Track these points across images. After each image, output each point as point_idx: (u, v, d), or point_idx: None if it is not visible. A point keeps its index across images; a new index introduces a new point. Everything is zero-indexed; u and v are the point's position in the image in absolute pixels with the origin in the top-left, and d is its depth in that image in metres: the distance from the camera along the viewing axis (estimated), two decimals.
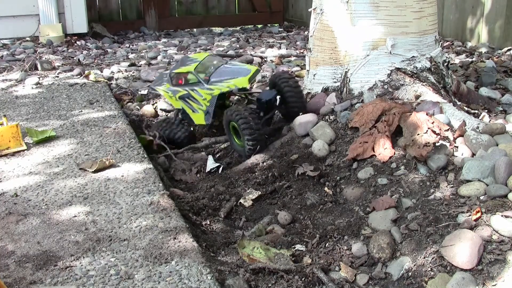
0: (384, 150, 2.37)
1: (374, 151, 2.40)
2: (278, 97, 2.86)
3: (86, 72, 4.35)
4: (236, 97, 3.34)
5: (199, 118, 2.99)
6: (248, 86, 2.90)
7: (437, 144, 2.26)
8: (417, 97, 2.69)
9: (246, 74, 2.87)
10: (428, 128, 2.30)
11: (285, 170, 2.58)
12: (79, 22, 6.13)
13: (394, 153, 2.36)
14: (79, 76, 4.32)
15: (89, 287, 1.63)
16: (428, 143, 2.24)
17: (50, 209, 2.11)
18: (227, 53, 5.16)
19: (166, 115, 3.59)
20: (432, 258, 1.82)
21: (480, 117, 2.70)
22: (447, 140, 2.30)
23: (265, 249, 2.00)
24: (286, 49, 5.45)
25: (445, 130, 2.32)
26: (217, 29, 7.38)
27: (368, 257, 1.97)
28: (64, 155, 2.66)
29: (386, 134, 2.40)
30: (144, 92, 3.86)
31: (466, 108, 2.84)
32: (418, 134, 2.28)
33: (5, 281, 1.65)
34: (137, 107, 3.63)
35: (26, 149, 2.73)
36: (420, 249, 1.88)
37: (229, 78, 2.87)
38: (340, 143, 2.63)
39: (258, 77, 3.97)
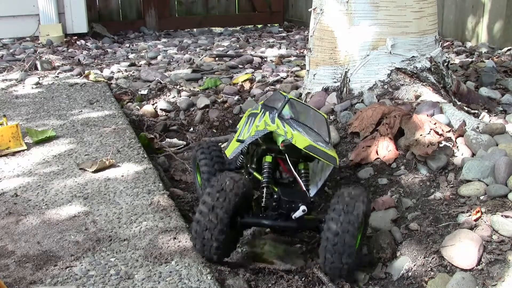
0: (388, 152, 2.37)
1: (378, 154, 2.41)
2: (303, 208, 1.78)
3: (86, 72, 4.34)
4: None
5: (231, 147, 2.13)
6: (302, 148, 1.91)
7: (440, 145, 2.26)
8: (417, 97, 2.69)
9: (318, 140, 1.98)
10: (431, 129, 2.30)
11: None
12: (79, 22, 6.12)
13: (398, 155, 2.37)
14: (79, 76, 4.31)
15: (89, 287, 1.63)
16: (432, 142, 2.24)
17: (50, 209, 2.11)
18: (227, 53, 5.16)
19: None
20: (432, 258, 1.82)
21: (480, 117, 2.70)
22: (449, 141, 2.30)
23: (274, 246, 2.00)
24: (286, 49, 5.45)
25: (447, 132, 2.33)
26: (217, 29, 7.38)
27: (368, 257, 1.97)
28: (64, 155, 2.65)
29: (389, 136, 2.40)
30: (144, 92, 3.86)
31: (466, 108, 2.84)
32: (421, 135, 2.29)
33: (5, 281, 1.65)
34: (137, 107, 3.62)
35: (26, 149, 2.73)
36: (420, 249, 1.88)
37: (300, 131, 1.96)
38: (340, 143, 2.63)
39: (258, 77, 3.97)
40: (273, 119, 1.98)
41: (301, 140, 1.90)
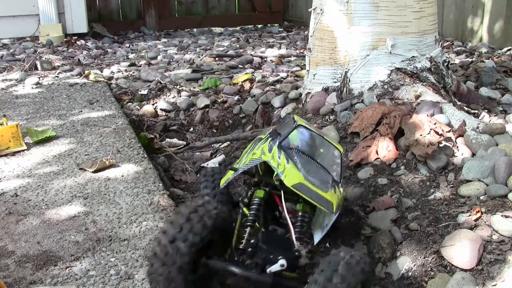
0: (388, 152, 2.37)
1: (378, 154, 2.41)
2: (281, 263, 1.48)
3: (86, 72, 4.35)
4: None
5: (226, 176, 1.83)
6: (289, 185, 1.60)
7: (440, 145, 2.26)
8: (417, 97, 2.69)
9: (320, 178, 1.68)
10: (431, 129, 2.30)
11: None
12: (79, 22, 6.13)
13: (398, 155, 2.37)
14: (79, 76, 4.32)
15: (89, 287, 1.63)
16: (432, 142, 2.24)
17: (50, 209, 2.11)
18: (227, 53, 5.16)
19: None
20: (432, 258, 1.82)
21: (480, 117, 2.70)
22: (449, 141, 2.30)
23: None
24: (286, 49, 5.45)
25: (447, 132, 2.33)
26: (217, 29, 7.38)
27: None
28: (64, 155, 2.65)
29: (389, 136, 2.41)
30: (144, 92, 3.86)
31: (466, 108, 2.84)
32: (421, 135, 2.29)
33: (5, 281, 1.65)
34: (137, 107, 3.62)
35: (26, 149, 2.73)
36: (420, 249, 1.88)
37: (297, 165, 1.66)
38: (340, 143, 2.63)
39: (258, 77, 3.98)
40: (271, 147, 1.69)
41: (292, 176, 1.60)
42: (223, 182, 1.82)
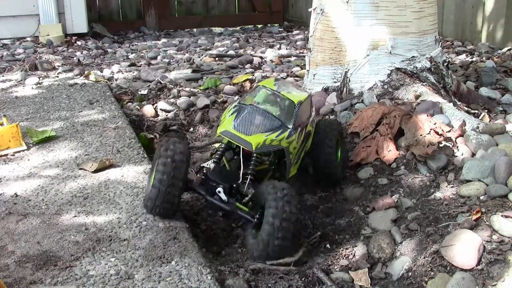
0: (388, 152, 2.37)
1: (378, 154, 2.41)
2: (218, 189, 1.96)
3: (86, 72, 4.34)
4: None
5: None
6: (218, 133, 2.07)
7: (440, 145, 2.26)
8: (417, 97, 2.69)
9: (267, 125, 2.05)
10: (431, 129, 2.30)
11: None
12: (79, 22, 6.12)
13: (398, 155, 2.37)
14: (79, 76, 4.31)
15: (89, 287, 1.63)
16: (432, 142, 2.24)
17: (50, 209, 2.11)
18: (227, 53, 5.16)
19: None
20: (432, 258, 1.82)
21: (480, 117, 2.70)
22: (449, 141, 2.30)
23: None
24: (286, 49, 5.45)
25: (447, 132, 2.33)
26: (217, 29, 7.38)
27: (368, 257, 1.97)
28: (64, 155, 2.65)
29: (389, 136, 2.40)
30: (144, 92, 3.86)
31: (466, 108, 2.84)
32: (421, 135, 2.29)
33: (5, 281, 1.65)
34: (137, 107, 3.62)
35: (26, 149, 2.73)
36: (420, 249, 1.88)
37: (237, 117, 2.05)
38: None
39: (258, 77, 3.98)
40: (231, 105, 2.16)
41: (224, 125, 2.04)
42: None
